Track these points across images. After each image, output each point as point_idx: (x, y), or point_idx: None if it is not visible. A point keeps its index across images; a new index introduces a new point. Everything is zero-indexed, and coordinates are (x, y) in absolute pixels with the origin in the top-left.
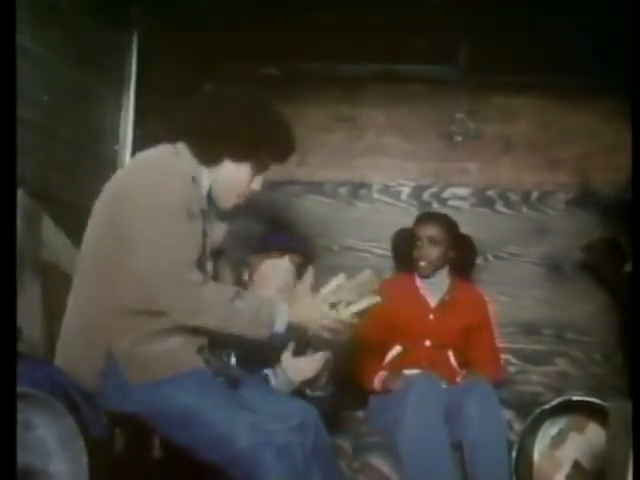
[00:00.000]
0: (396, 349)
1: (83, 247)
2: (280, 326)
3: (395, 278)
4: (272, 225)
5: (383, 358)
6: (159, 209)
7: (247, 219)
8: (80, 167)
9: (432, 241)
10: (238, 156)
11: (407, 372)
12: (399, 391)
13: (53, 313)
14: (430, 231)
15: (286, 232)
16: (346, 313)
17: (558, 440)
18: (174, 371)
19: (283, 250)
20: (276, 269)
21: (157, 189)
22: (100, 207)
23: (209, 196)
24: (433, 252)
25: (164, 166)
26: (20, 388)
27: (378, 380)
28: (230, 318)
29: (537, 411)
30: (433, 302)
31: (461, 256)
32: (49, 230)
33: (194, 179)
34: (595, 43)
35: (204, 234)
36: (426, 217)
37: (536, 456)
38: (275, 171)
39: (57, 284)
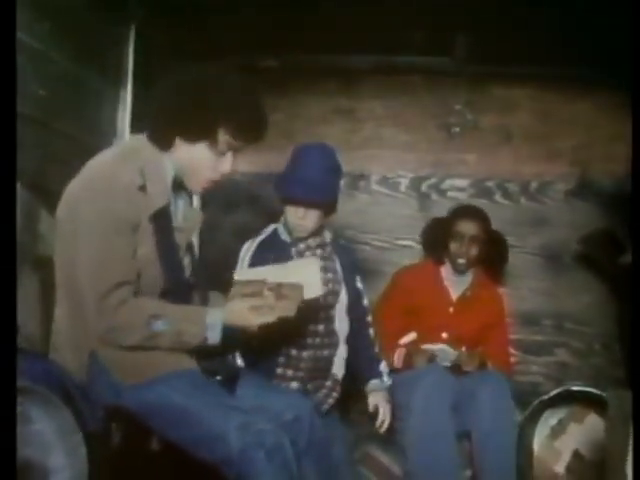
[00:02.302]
0: (411, 335)
1: (55, 254)
2: (214, 337)
3: (420, 265)
4: (270, 217)
5: (397, 342)
6: (96, 225)
7: (247, 211)
8: (77, 161)
9: (474, 240)
10: (189, 136)
11: (428, 347)
12: (406, 380)
13: (51, 307)
14: (474, 230)
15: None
16: (258, 320)
17: (558, 430)
18: (164, 371)
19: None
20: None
21: (98, 204)
22: (59, 215)
23: (176, 184)
24: (474, 251)
25: (109, 177)
26: (19, 382)
27: (398, 357)
28: (149, 340)
29: (537, 401)
30: (455, 295)
31: (495, 254)
32: (46, 224)
33: (141, 187)
34: (594, 34)
35: (169, 231)
36: (469, 213)
37: (536, 446)
38: (273, 163)
39: (54, 278)
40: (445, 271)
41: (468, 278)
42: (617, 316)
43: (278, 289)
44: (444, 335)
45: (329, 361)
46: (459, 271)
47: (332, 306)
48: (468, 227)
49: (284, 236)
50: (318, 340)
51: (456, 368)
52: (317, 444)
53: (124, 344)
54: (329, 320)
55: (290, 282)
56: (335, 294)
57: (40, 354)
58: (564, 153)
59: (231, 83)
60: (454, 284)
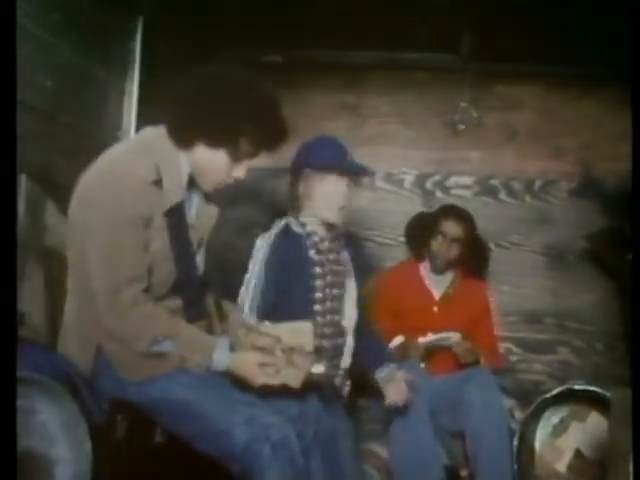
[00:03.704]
0: (398, 339)
1: (67, 245)
2: (216, 370)
3: (399, 267)
4: (274, 212)
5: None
6: (108, 219)
7: (249, 206)
8: (83, 153)
9: (456, 241)
10: (212, 142)
11: (427, 339)
12: None
13: (56, 298)
14: (457, 231)
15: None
16: (261, 379)
17: (560, 429)
18: (169, 369)
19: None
20: (338, 189)
21: (111, 197)
22: (72, 206)
23: (191, 181)
24: (453, 251)
25: (123, 170)
26: (24, 373)
27: None
28: (152, 354)
29: (539, 400)
30: (437, 294)
31: (475, 257)
32: (52, 216)
33: (155, 182)
34: (599, 32)
35: (183, 228)
36: (454, 214)
37: (537, 445)
38: (278, 158)
39: (60, 270)
40: (424, 270)
41: (449, 277)
42: (620, 315)
43: (290, 353)
44: (430, 335)
45: (338, 352)
46: (436, 270)
47: (340, 298)
48: (452, 228)
49: (297, 229)
50: (325, 330)
51: (433, 362)
52: (323, 437)
53: (129, 346)
54: (335, 312)
55: (303, 350)
56: (342, 287)
57: (46, 345)
58: (568, 152)
59: (260, 94)
60: (435, 283)
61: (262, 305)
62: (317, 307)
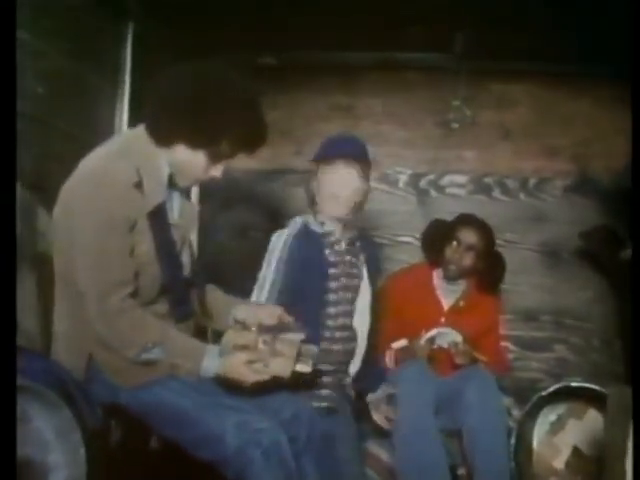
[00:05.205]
0: (402, 342)
1: (54, 252)
2: (206, 376)
3: (412, 270)
4: (269, 214)
5: (387, 343)
6: (93, 224)
7: (244, 209)
8: (76, 158)
9: (470, 249)
10: (193, 143)
11: (428, 335)
12: (393, 378)
13: (50, 305)
14: (472, 239)
15: (349, 137)
16: (252, 378)
17: (557, 426)
18: (160, 375)
19: (348, 158)
20: (343, 179)
21: (94, 203)
22: (56, 213)
23: (171, 180)
24: (467, 260)
25: (104, 175)
26: (18, 380)
27: (389, 358)
28: (143, 360)
29: (536, 397)
30: (447, 305)
31: (489, 271)
32: (45, 222)
33: (137, 184)
34: (593, 29)
35: (166, 229)
36: (472, 222)
37: (535, 442)
38: (272, 160)
39: (53, 276)
40: (437, 277)
41: (461, 287)
42: (616, 312)
43: (272, 343)
44: (435, 345)
45: (346, 356)
46: (449, 277)
47: (352, 301)
48: (467, 235)
49: (316, 228)
50: (336, 334)
51: (436, 362)
52: (317, 441)
53: (119, 353)
54: (347, 315)
55: (285, 338)
56: (355, 291)
57: (39, 352)
58: (563, 149)
59: (244, 95)
60: (446, 293)
61: (277, 304)
62: (330, 310)
